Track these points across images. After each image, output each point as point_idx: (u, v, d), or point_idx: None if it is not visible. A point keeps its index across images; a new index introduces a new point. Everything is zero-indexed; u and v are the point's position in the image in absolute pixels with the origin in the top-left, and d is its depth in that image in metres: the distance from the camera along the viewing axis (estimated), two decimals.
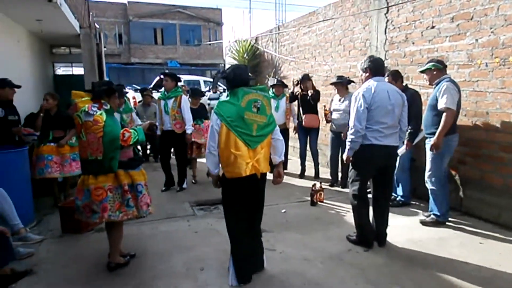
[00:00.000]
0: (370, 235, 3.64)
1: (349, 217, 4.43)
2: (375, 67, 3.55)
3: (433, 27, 4.74)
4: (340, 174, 5.93)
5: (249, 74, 3.17)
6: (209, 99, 12.15)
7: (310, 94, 6.00)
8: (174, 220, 4.45)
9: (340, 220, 4.42)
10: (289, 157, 8.16)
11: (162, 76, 5.74)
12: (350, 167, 3.68)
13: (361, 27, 6.08)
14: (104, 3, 25.90)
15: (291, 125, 6.70)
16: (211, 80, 17.22)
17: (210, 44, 16.51)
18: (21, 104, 5.60)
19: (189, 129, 5.52)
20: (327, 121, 5.77)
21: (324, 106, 5.90)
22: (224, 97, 2.97)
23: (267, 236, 3.77)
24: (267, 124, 2.87)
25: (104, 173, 2.99)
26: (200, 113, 6.32)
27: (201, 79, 16.46)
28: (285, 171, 6.73)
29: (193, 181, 6.27)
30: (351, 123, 3.48)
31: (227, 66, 13.31)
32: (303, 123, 6.15)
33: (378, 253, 3.52)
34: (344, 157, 3.64)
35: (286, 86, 6.69)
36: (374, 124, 3.43)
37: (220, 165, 2.91)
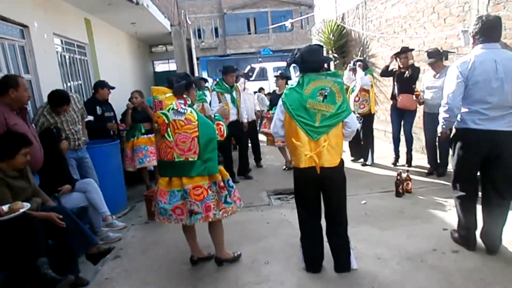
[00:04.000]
0: (471, 235, 3.05)
1: (441, 211, 3.92)
2: (482, 30, 2.78)
3: None
4: (439, 161, 5.22)
5: (327, 55, 2.91)
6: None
7: (407, 71, 5.33)
8: (249, 210, 4.45)
9: (429, 215, 3.89)
10: (379, 142, 7.59)
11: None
12: (451, 152, 3.13)
13: None
14: (201, 0, 27.31)
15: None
16: None
17: (301, 26, 16.18)
18: (122, 101, 6.21)
19: (245, 118, 5.80)
20: (419, 103, 5.11)
21: (423, 87, 5.12)
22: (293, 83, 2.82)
23: None
24: (334, 114, 2.60)
25: (200, 175, 2.81)
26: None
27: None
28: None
29: (284, 167, 6.31)
30: (443, 100, 2.94)
31: None
32: (398, 103, 5.53)
33: (469, 255, 2.99)
34: (439, 130, 3.11)
35: (367, 66, 6.09)
36: (473, 104, 2.81)
37: None
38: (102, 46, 6.70)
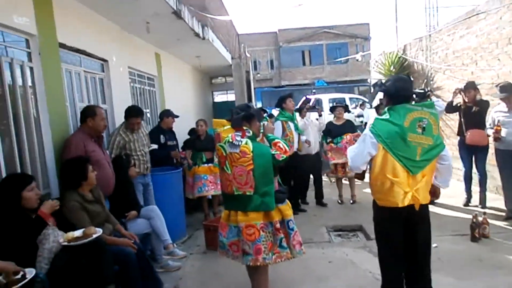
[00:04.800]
0: None
1: None
2: None
3: None
4: None
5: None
6: (357, 116, 11.75)
7: (475, 106, 5.03)
8: (308, 246, 4.26)
9: None
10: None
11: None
12: None
13: None
14: (257, 34, 28.31)
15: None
16: (358, 96, 16.65)
17: (357, 59, 16.15)
18: (185, 129, 6.47)
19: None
20: (496, 139, 4.72)
21: (496, 122, 4.76)
22: (383, 114, 2.60)
23: None
24: (433, 146, 2.45)
25: (255, 210, 2.71)
26: (345, 130, 6.08)
27: (346, 96, 16.06)
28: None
29: (339, 201, 6.17)
30: None
31: (372, 82, 12.74)
32: (466, 140, 5.18)
33: None
34: None
35: (428, 95, 5.79)
36: None
37: (371, 191, 2.62)
38: (169, 78, 7.09)
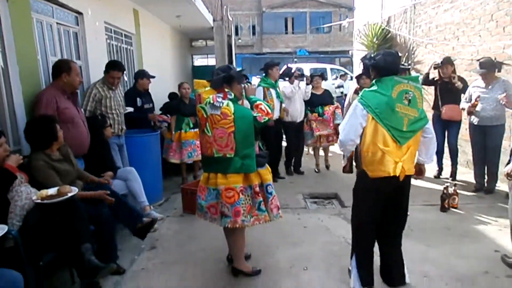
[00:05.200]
0: None
1: (491, 231, 3.69)
2: None
3: None
4: (486, 177, 4.93)
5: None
6: (337, 87, 11.78)
7: (453, 81, 5.09)
8: (285, 211, 4.31)
9: (478, 234, 3.67)
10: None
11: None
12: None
13: None
14: None
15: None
16: (339, 67, 16.65)
17: (344, 26, 15.86)
18: (162, 92, 6.29)
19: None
20: (469, 113, 4.84)
21: (474, 97, 4.79)
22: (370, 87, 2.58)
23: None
24: (418, 119, 2.48)
25: (236, 172, 2.70)
26: (324, 99, 6.10)
27: (328, 66, 16.03)
28: None
29: (316, 169, 6.27)
30: None
31: (354, 53, 12.69)
32: (442, 114, 5.30)
33: None
34: (507, 170, 2.78)
35: (408, 69, 5.84)
36: None
37: (361, 162, 2.58)
38: (147, 37, 6.78)
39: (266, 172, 2.85)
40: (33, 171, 2.76)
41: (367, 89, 2.56)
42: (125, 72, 5.88)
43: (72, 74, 3.26)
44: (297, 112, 5.79)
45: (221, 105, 2.63)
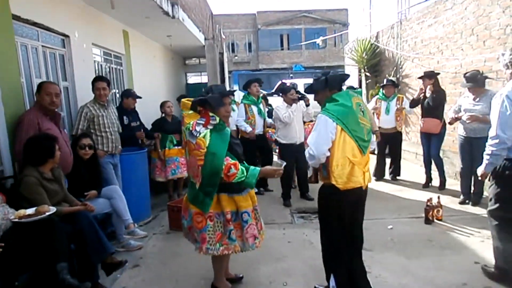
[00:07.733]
0: None
1: (473, 243, 3.70)
2: None
3: None
4: (472, 189, 4.96)
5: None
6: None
7: (429, 94, 5.25)
8: (270, 227, 4.37)
9: (460, 245, 3.68)
10: (411, 164, 7.38)
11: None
12: (491, 182, 2.97)
13: (499, 10, 5.01)
14: (236, 16, 27.90)
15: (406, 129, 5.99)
16: None
17: (318, 44, 16.26)
18: (155, 110, 6.35)
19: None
20: (450, 123, 4.93)
21: (464, 108, 4.72)
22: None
23: (364, 255, 3.35)
24: (370, 129, 2.61)
25: (194, 204, 2.63)
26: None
27: None
28: (400, 179, 6.28)
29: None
30: (492, 132, 2.81)
31: (346, 68, 12.84)
32: (421, 128, 5.46)
33: None
34: (479, 172, 2.96)
35: (397, 86, 6.01)
36: None
37: (327, 175, 2.53)
38: (137, 57, 6.91)
39: (245, 198, 2.71)
40: (23, 186, 2.81)
41: (329, 103, 2.56)
42: (115, 91, 6.02)
43: (42, 94, 3.25)
44: (295, 134, 5.16)
45: (197, 135, 2.49)
